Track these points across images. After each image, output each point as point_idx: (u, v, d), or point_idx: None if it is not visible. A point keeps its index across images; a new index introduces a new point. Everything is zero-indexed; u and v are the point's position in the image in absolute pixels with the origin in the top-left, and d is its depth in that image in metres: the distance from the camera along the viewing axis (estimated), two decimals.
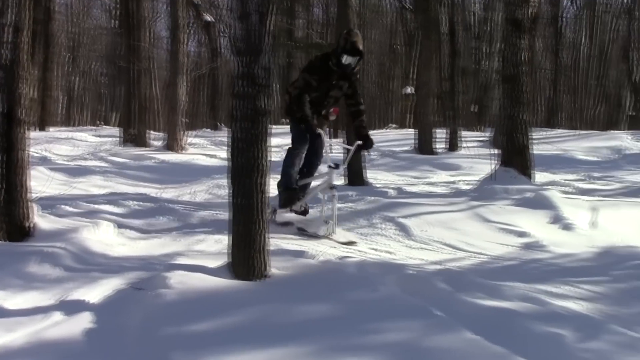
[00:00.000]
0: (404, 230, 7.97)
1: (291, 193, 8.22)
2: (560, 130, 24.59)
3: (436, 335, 4.55)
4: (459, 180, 12.71)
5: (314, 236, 7.66)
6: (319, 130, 8.02)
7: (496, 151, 11.35)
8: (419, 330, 4.63)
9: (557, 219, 8.15)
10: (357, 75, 8.35)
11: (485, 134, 21.64)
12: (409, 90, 28.34)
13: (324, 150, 8.25)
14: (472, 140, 20.36)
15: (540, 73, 33.26)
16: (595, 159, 16.85)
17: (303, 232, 7.84)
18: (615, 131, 23.66)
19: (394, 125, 29.09)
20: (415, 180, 13.57)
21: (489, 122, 25.77)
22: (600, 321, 5.05)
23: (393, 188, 11.08)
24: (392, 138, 22.27)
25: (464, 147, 19.41)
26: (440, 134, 20.07)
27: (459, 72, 21.90)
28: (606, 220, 8.10)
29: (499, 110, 11.93)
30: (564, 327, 4.71)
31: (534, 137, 11.66)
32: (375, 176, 12.96)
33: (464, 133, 21.06)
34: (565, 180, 12.17)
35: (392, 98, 34.77)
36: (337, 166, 7.99)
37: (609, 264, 6.63)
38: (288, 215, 8.40)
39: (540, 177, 11.75)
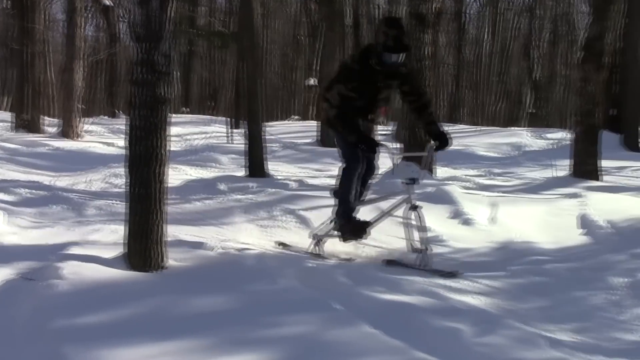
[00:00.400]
0: (304, 223, 7.91)
1: (359, 225, 6.74)
2: (462, 126, 24.98)
3: (335, 329, 4.55)
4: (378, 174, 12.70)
5: (408, 267, 6.28)
6: (384, 144, 6.76)
7: (398, 145, 11.41)
8: (317, 324, 4.63)
9: (458, 214, 8.22)
10: (407, 65, 6.89)
11: (388, 128, 21.81)
12: (312, 81, 28.35)
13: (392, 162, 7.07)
14: (375, 133, 20.45)
15: (443, 68, 33.59)
16: (495, 155, 17.17)
17: (393, 264, 6.37)
18: (516, 128, 24.18)
19: (296, 117, 29.07)
20: (317, 173, 13.56)
21: (391, 116, 25.98)
22: (498, 316, 5.11)
23: (294, 180, 11.04)
24: (294, 130, 22.24)
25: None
26: None
27: None
28: (505, 216, 8.20)
29: (402, 104, 12.00)
30: (462, 322, 4.76)
31: None
32: (276, 168, 12.90)
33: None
34: (466, 175, 12.34)
35: (295, 89, 34.73)
36: (413, 181, 6.55)
37: (507, 259, 6.71)
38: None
39: (441, 172, 11.90)
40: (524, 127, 26.11)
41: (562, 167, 12.09)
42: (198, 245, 6.54)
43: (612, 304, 5.52)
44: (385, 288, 5.48)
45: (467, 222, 8.02)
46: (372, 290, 5.37)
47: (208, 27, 29.30)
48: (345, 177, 6.76)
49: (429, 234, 7.49)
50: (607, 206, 8.59)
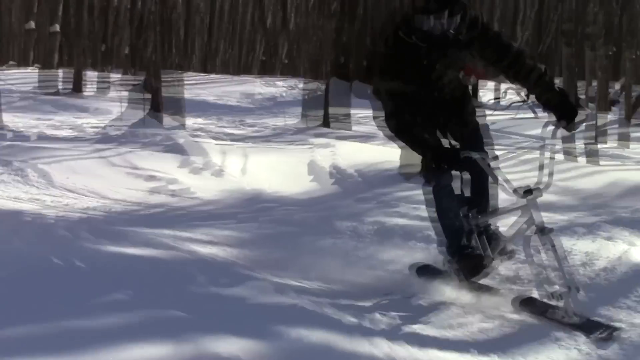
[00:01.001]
0: (46, 177, 7.59)
1: (473, 260, 4.59)
2: (191, 73, 24.64)
3: (54, 283, 4.15)
4: (108, 126, 12.31)
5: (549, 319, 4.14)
6: (470, 155, 4.36)
7: (148, 96, 11.22)
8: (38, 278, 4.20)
9: (207, 166, 8.18)
10: (481, 21, 4.50)
11: (139, 78, 21.35)
12: (32, 25, 26.10)
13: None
14: (126, 84, 19.89)
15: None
16: (233, 103, 17.25)
17: (551, 319, 4.13)
18: (248, 76, 24.33)
19: (12, 63, 27.33)
20: (60, 124, 12.96)
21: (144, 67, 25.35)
22: (245, 267, 5.01)
23: (34, 132, 10.51)
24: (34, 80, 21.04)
25: (115, 92, 18.89)
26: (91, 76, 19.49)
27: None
28: (255, 166, 8.21)
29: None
30: (208, 273, 4.54)
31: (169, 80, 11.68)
32: (11, 120, 12.20)
33: (113, 76, 20.63)
34: (215, 125, 12.28)
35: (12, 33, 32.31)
36: (532, 192, 4.25)
37: (256, 210, 6.69)
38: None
39: (189, 122, 11.79)
40: (256, 75, 26.24)
41: (314, 117, 12.32)
42: None
43: (360, 250, 5.57)
44: (124, 241, 5.24)
45: (216, 173, 8.07)
46: (97, 243, 5.10)
47: None
48: (439, 199, 4.69)
49: (176, 186, 7.35)
50: (356, 156, 8.78)
